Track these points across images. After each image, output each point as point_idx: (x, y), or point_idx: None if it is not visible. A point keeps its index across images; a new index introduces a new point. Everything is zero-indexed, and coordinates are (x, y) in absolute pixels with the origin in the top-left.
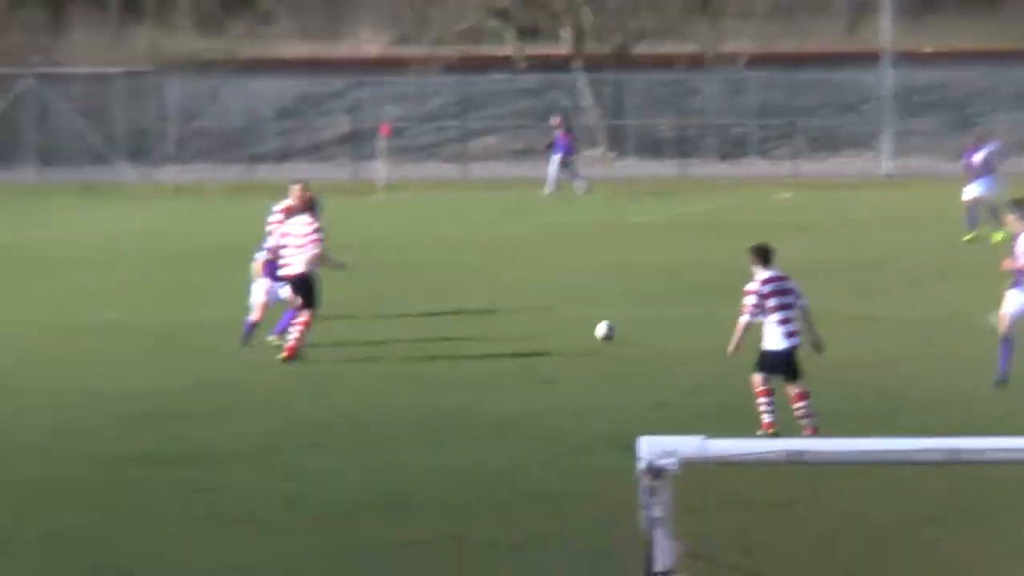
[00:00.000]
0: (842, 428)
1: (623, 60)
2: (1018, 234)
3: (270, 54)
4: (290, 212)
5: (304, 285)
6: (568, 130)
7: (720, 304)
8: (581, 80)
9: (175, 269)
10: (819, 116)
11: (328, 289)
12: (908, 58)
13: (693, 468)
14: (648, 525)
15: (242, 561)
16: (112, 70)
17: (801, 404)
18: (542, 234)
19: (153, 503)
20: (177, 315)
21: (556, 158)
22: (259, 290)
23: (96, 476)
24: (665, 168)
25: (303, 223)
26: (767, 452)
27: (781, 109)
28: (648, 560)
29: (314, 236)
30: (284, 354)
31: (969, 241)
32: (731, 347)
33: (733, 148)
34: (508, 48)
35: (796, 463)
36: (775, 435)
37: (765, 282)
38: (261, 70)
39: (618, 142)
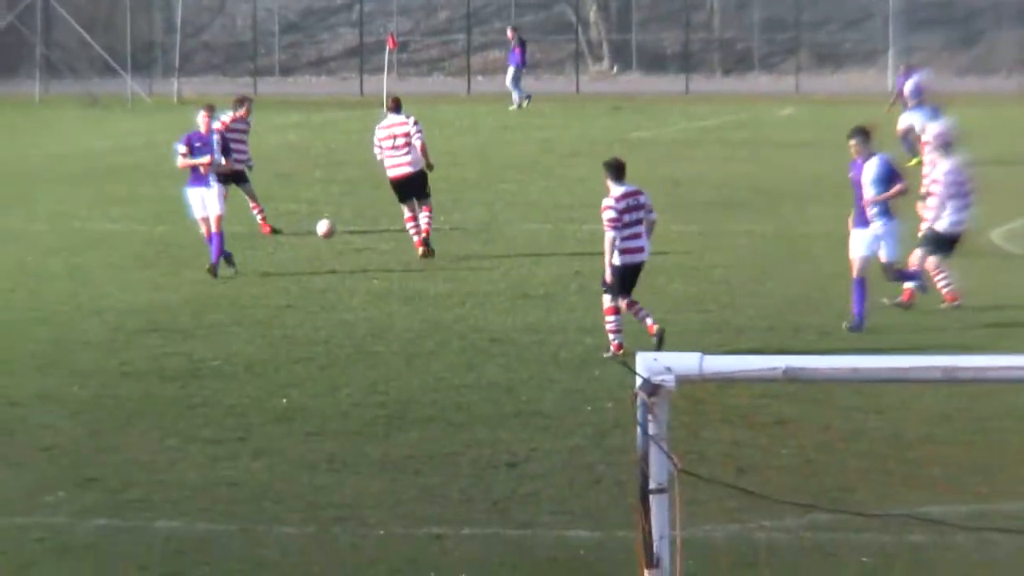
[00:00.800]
0: (843, 343)
1: None
2: (857, 162)
3: None
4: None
5: (423, 180)
6: (520, 43)
7: (719, 220)
8: None
9: (177, 182)
10: (824, 31)
11: (334, 204)
12: None
13: (690, 385)
14: (643, 442)
15: (236, 476)
16: None
17: (634, 308)
18: (543, 149)
19: (148, 419)
20: (177, 228)
21: (511, 71)
22: (196, 201)
23: (92, 391)
24: (668, 83)
25: (401, 123)
26: (763, 370)
27: (785, 24)
28: (642, 477)
29: (418, 132)
30: (422, 249)
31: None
32: (606, 261)
33: (736, 63)
34: None
35: (793, 380)
36: (625, 356)
37: (620, 198)
38: None
39: (623, 57)
